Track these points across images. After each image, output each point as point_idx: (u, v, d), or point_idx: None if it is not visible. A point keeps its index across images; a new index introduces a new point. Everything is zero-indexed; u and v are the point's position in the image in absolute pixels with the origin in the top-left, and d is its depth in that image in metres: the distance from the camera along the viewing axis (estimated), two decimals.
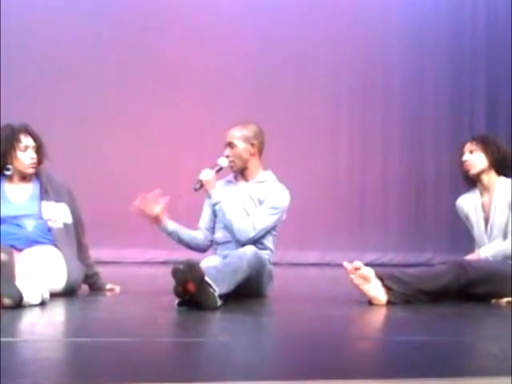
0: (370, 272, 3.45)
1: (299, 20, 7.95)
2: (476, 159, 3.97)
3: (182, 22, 7.69)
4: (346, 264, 3.48)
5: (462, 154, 4.04)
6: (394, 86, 8.19)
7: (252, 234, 3.81)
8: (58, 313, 3.23)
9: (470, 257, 3.94)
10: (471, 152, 4.00)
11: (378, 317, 3.27)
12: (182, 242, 3.99)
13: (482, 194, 4.01)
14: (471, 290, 3.54)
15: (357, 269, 3.44)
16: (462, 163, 4.02)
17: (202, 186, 3.87)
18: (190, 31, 7.67)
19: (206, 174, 3.87)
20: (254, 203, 3.90)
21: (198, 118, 7.56)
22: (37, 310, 3.08)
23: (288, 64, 7.90)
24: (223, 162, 3.93)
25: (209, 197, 3.91)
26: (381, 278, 3.45)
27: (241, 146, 3.92)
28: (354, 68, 8.10)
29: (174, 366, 2.00)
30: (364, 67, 8.11)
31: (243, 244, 3.78)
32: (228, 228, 3.85)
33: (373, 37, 8.11)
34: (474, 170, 3.98)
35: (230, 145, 3.94)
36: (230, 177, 4.07)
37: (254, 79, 7.78)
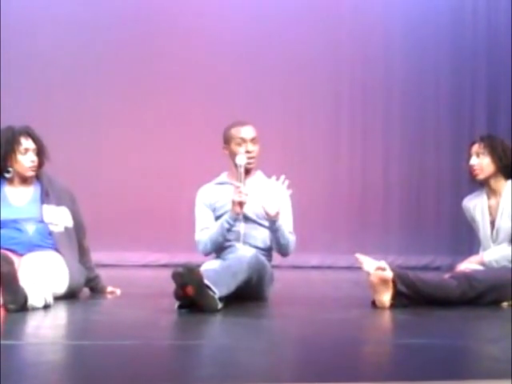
0: (389, 275, 3.40)
1: (300, 20, 7.94)
2: (484, 164, 3.91)
3: (184, 27, 7.67)
4: (359, 256, 3.45)
5: (469, 154, 3.97)
6: (394, 88, 8.18)
7: (295, 243, 3.88)
8: (60, 316, 3.23)
9: (474, 259, 3.91)
10: (478, 155, 3.93)
11: (379, 320, 3.26)
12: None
13: (489, 197, 3.96)
14: (478, 301, 3.50)
15: (382, 269, 3.39)
16: (469, 165, 3.95)
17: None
18: (192, 34, 7.66)
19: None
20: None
21: (199, 118, 7.54)
22: (40, 314, 3.08)
23: (288, 64, 7.89)
24: (242, 160, 3.80)
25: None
26: (394, 281, 3.40)
27: (257, 143, 3.89)
28: (355, 69, 8.09)
29: (175, 368, 2.00)
30: (365, 68, 8.10)
31: (287, 255, 3.87)
32: (281, 245, 3.82)
33: (374, 38, 8.10)
34: (481, 176, 3.92)
35: (253, 141, 3.86)
36: (222, 178, 4.00)
37: (254, 80, 7.77)
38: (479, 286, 3.49)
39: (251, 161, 3.85)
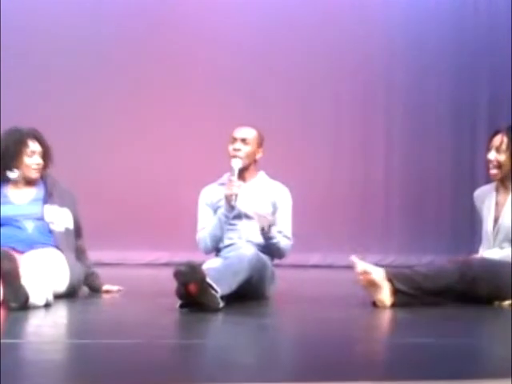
0: (379, 276, 3.37)
1: (301, 19, 7.94)
2: (501, 160, 3.68)
3: (188, 25, 7.66)
4: (354, 259, 3.41)
5: (489, 146, 3.74)
6: (395, 87, 8.17)
7: (290, 247, 3.94)
8: (61, 314, 3.23)
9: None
10: (498, 150, 3.70)
11: (380, 319, 3.27)
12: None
13: (498, 192, 3.81)
14: (475, 289, 3.44)
15: (366, 273, 3.38)
16: (487, 159, 3.75)
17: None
18: (195, 34, 7.65)
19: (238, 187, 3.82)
20: (266, 205, 3.91)
21: (200, 119, 7.54)
22: (41, 312, 3.08)
23: (289, 64, 7.89)
24: (237, 163, 3.89)
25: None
26: (390, 280, 3.38)
27: (253, 146, 3.97)
28: (356, 68, 8.08)
29: (176, 367, 2.00)
30: (365, 67, 8.10)
31: (280, 259, 3.97)
32: (272, 253, 3.87)
33: (375, 36, 8.09)
34: (497, 171, 3.71)
35: (244, 141, 3.94)
36: (225, 179, 4.03)
37: (255, 80, 7.76)
38: (478, 269, 3.47)
39: (239, 154, 3.90)
